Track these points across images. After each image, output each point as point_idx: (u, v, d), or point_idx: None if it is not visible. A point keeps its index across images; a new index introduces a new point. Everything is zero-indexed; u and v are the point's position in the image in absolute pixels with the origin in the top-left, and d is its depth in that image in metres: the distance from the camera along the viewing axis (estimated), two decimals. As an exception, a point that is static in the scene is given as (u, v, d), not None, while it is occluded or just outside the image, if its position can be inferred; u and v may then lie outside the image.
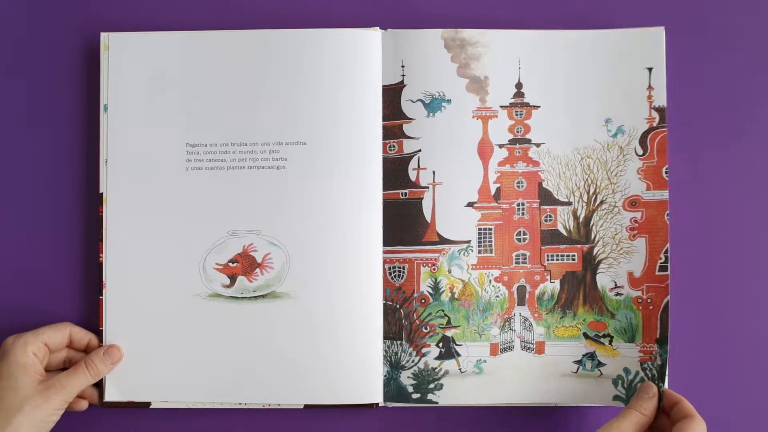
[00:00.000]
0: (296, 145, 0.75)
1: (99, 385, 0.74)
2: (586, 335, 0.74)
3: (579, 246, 0.75)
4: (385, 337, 0.75)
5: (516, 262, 0.75)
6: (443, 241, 0.75)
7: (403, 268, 0.75)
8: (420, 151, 0.75)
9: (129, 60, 0.76)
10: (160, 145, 0.75)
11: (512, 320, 0.75)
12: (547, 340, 0.75)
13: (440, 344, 0.75)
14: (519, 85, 0.75)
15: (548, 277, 0.75)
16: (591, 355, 0.74)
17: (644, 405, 0.69)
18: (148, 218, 0.75)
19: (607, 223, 0.75)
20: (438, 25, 0.76)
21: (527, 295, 0.75)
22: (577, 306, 0.75)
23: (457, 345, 0.75)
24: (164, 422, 0.76)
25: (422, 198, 0.75)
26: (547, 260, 0.75)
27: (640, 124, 0.74)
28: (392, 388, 0.75)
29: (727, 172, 0.77)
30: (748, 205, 0.77)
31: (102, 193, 0.75)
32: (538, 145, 0.75)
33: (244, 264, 0.75)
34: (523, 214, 0.76)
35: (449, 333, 0.75)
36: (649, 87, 0.74)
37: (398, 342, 0.75)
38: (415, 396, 0.75)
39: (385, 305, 0.75)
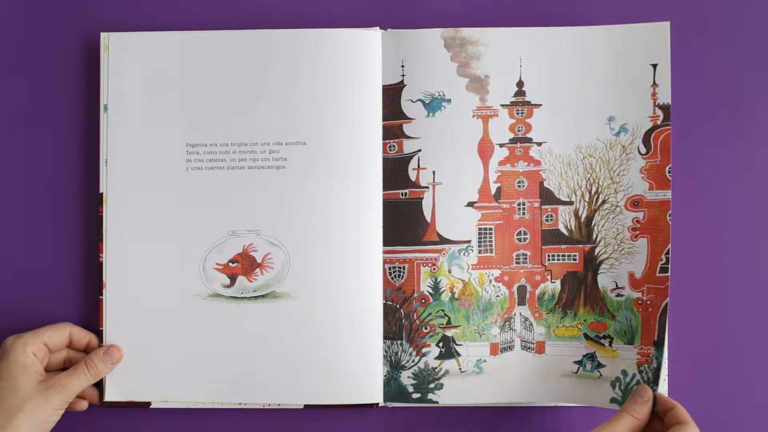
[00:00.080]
0: (296, 145, 0.75)
1: (99, 385, 0.74)
2: (586, 336, 0.74)
3: (580, 246, 0.75)
4: (385, 337, 0.75)
5: (516, 262, 0.75)
6: (443, 241, 0.75)
7: (403, 268, 0.75)
8: (420, 151, 0.75)
9: (129, 60, 0.76)
10: (160, 145, 0.75)
11: (512, 320, 0.75)
12: (547, 340, 0.75)
13: (440, 344, 0.75)
14: (520, 84, 0.75)
15: (549, 277, 0.75)
16: (591, 356, 0.74)
17: (638, 409, 0.67)
18: (148, 218, 0.75)
19: (608, 223, 0.74)
20: (438, 24, 0.75)
21: (528, 295, 0.75)
22: (577, 306, 0.74)
23: (457, 345, 0.75)
24: (164, 422, 0.77)
25: (422, 198, 0.75)
26: (548, 260, 0.75)
27: (643, 122, 0.73)
28: (392, 388, 0.75)
29: (729, 172, 0.76)
30: (751, 205, 0.76)
31: (102, 193, 0.75)
32: (539, 144, 0.75)
33: (244, 264, 0.75)
34: (523, 213, 0.75)
35: (449, 333, 0.75)
36: (654, 84, 0.73)
37: (398, 342, 0.75)
38: (415, 396, 0.75)
39: (385, 305, 0.75)
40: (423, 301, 0.75)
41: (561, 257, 0.75)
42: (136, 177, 0.75)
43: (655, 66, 0.73)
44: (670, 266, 0.72)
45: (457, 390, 0.75)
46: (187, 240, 0.75)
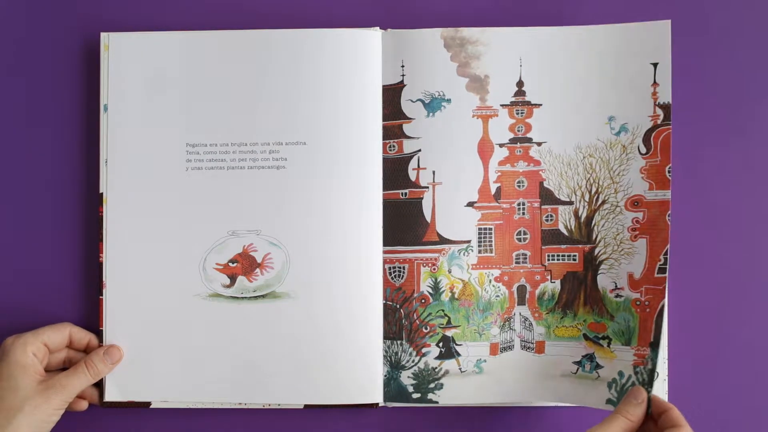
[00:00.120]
0: (296, 145, 0.75)
1: (99, 385, 0.74)
2: (585, 336, 0.74)
3: (580, 246, 0.75)
4: (385, 337, 0.75)
5: (516, 262, 0.75)
6: (443, 241, 0.75)
7: (403, 268, 0.75)
8: (420, 151, 0.75)
9: (129, 60, 0.76)
10: (160, 145, 0.75)
11: (512, 320, 0.75)
12: (547, 340, 0.75)
13: (440, 344, 0.75)
14: (520, 83, 0.75)
15: (549, 277, 0.75)
16: (590, 357, 0.74)
17: (631, 410, 0.66)
18: (148, 218, 0.75)
19: (608, 223, 0.74)
20: (438, 24, 0.75)
21: (527, 295, 0.75)
22: (577, 306, 0.74)
23: (457, 345, 0.75)
24: (164, 422, 0.77)
25: (422, 198, 0.75)
26: (548, 260, 0.75)
27: (644, 122, 0.73)
28: (392, 388, 0.75)
29: (729, 172, 0.76)
30: (751, 205, 0.76)
31: (102, 193, 0.75)
32: (539, 144, 0.75)
33: (244, 264, 0.75)
34: (523, 213, 0.75)
35: (449, 333, 0.75)
36: (654, 83, 0.73)
37: (398, 342, 0.75)
38: (415, 396, 0.75)
39: (385, 305, 0.75)
40: (423, 301, 0.75)
41: (561, 257, 0.75)
42: (136, 177, 0.75)
43: (655, 65, 0.73)
44: (668, 267, 0.71)
45: (457, 390, 0.75)
46: (187, 240, 0.75)
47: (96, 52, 0.76)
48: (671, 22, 0.73)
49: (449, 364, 0.75)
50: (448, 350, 0.75)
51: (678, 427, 0.64)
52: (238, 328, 0.74)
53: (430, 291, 0.75)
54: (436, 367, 0.75)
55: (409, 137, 0.75)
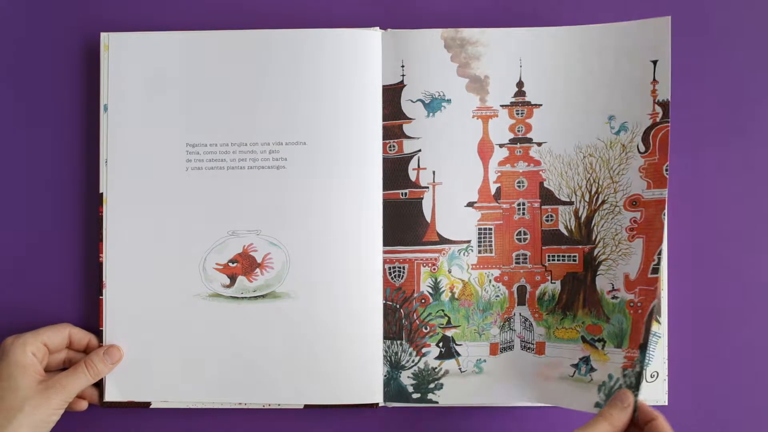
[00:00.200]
0: (296, 145, 0.75)
1: (99, 385, 0.74)
2: (583, 339, 0.74)
3: (580, 247, 0.74)
4: (385, 337, 0.75)
5: (516, 262, 0.75)
6: (443, 241, 0.75)
7: (403, 268, 0.75)
8: (420, 151, 0.75)
9: (129, 60, 0.75)
10: (160, 145, 0.75)
11: (512, 320, 0.75)
12: (547, 341, 0.75)
13: (440, 344, 0.75)
14: (520, 84, 0.75)
15: (549, 278, 0.75)
16: (586, 360, 0.73)
17: (616, 415, 0.63)
18: (148, 218, 0.75)
19: (608, 224, 0.74)
20: (438, 24, 0.75)
21: (527, 296, 0.75)
22: (577, 308, 0.74)
23: (457, 345, 0.75)
24: (164, 422, 0.77)
25: (422, 198, 0.75)
26: (548, 260, 0.75)
27: (643, 120, 0.73)
28: (392, 388, 0.75)
29: (728, 171, 0.76)
30: (750, 204, 0.76)
31: (102, 193, 0.75)
32: (539, 144, 0.75)
33: (244, 264, 0.75)
34: (523, 214, 0.75)
35: (449, 333, 0.75)
36: (654, 81, 0.73)
37: (398, 342, 0.75)
38: (415, 396, 0.75)
39: (385, 305, 0.75)
40: (423, 301, 0.75)
41: (561, 258, 0.75)
42: (136, 177, 0.75)
43: (655, 62, 0.73)
44: (660, 267, 0.70)
45: (457, 390, 0.75)
46: (187, 240, 0.75)
47: (96, 52, 0.76)
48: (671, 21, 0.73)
49: (449, 364, 0.75)
50: (448, 350, 0.75)
51: None
52: (238, 328, 0.74)
53: (430, 291, 0.75)
54: (436, 367, 0.75)
55: (409, 137, 0.75)
